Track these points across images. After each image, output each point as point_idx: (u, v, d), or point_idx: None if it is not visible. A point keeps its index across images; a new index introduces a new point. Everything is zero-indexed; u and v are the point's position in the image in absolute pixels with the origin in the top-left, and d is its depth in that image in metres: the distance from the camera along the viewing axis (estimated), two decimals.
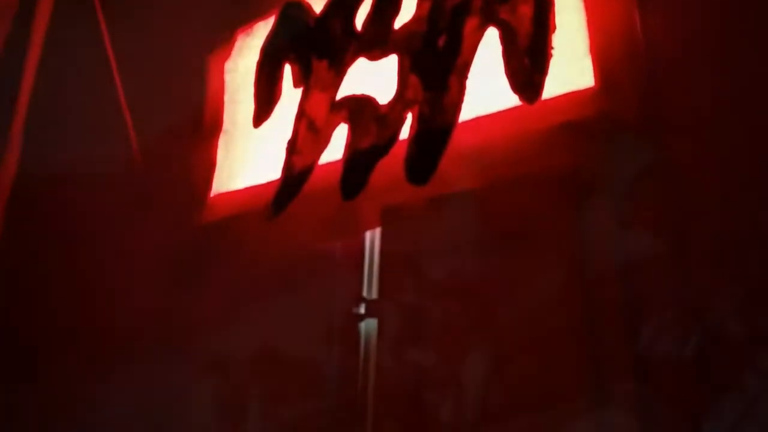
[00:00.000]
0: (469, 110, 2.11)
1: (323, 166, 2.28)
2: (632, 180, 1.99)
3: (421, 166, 2.09)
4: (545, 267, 2.01)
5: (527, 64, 2.05)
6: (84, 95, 2.73)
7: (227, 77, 2.68)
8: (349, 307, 2.25)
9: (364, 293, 2.27)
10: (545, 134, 2.04)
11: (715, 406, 1.72)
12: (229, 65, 2.69)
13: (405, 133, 2.14)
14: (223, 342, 2.35)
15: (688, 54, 2.02)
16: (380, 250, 2.31)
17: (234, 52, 2.69)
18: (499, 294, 2.05)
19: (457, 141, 2.08)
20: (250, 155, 2.53)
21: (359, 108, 2.26)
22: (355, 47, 2.33)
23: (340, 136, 2.28)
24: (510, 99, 2.07)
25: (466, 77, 2.11)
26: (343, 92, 2.32)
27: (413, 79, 2.18)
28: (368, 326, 2.23)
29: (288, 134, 2.36)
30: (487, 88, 2.11)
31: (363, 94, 2.27)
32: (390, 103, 2.20)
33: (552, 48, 2.04)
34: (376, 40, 2.29)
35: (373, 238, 2.33)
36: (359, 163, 2.20)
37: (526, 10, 2.08)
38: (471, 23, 2.13)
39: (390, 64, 2.24)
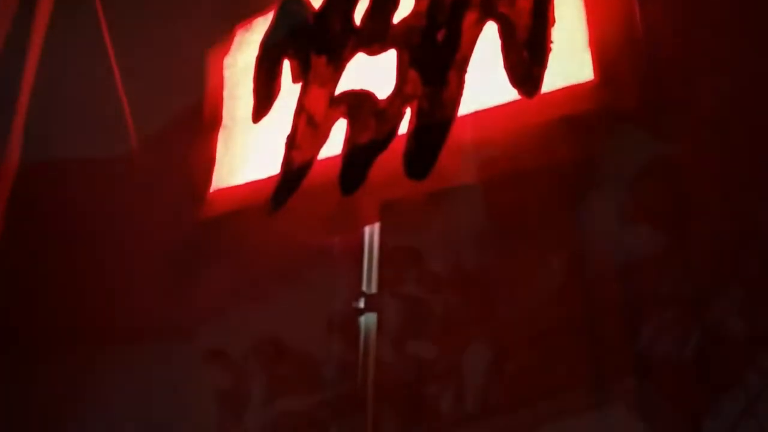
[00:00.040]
0: (468, 105, 2.10)
1: (322, 161, 2.28)
2: (633, 174, 1.98)
3: (420, 160, 2.09)
4: (545, 262, 2.01)
5: (526, 58, 2.04)
6: (84, 94, 2.73)
7: (226, 73, 2.67)
8: (348, 302, 2.26)
9: (364, 287, 2.27)
10: (544, 128, 2.04)
11: (716, 405, 1.72)
12: (228, 61, 2.68)
13: (404, 127, 2.14)
14: (223, 337, 2.35)
15: (689, 47, 2.01)
16: (379, 245, 2.31)
17: (233, 48, 2.67)
18: (498, 289, 2.05)
19: (456, 135, 2.07)
20: (249, 150, 2.53)
21: (358, 103, 2.25)
22: (354, 42, 2.32)
23: (339, 130, 2.27)
24: (509, 93, 2.06)
25: (465, 72, 2.10)
26: (342, 87, 2.31)
27: (412, 74, 2.17)
28: (368, 320, 2.23)
29: (287, 129, 2.36)
30: (486, 83, 2.10)
31: (362, 89, 2.26)
32: (389, 98, 2.19)
33: (551, 41, 2.03)
34: (375, 35, 2.29)
35: (372, 232, 2.33)
36: (358, 158, 2.20)
37: (525, 4, 2.07)
38: (470, 17, 2.13)
39: (389, 59, 2.24)
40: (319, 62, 2.36)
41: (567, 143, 2.03)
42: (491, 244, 2.10)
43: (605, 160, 2.01)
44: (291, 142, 2.34)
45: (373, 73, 2.27)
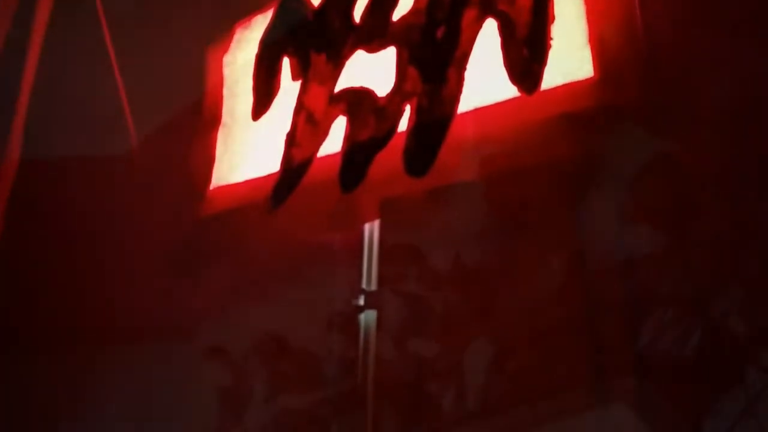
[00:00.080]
0: (468, 102, 2.10)
1: (322, 158, 2.28)
2: (633, 172, 1.98)
3: (419, 158, 2.09)
4: (545, 260, 2.01)
5: (526, 55, 2.04)
6: (84, 93, 2.73)
7: (226, 70, 2.67)
8: (348, 299, 2.26)
9: (364, 285, 2.27)
10: (544, 125, 2.04)
11: (716, 404, 1.72)
12: (227, 58, 2.68)
13: (404, 125, 2.14)
14: (223, 335, 2.36)
15: (689, 44, 2.01)
16: (379, 242, 2.31)
17: (232, 46, 2.67)
18: (498, 286, 2.05)
19: (456, 133, 2.07)
20: (249, 148, 2.53)
21: (358, 100, 2.25)
22: (354, 40, 2.32)
23: (339, 128, 2.27)
24: (509, 90, 2.06)
25: (464, 69, 2.10)
26: (341, 85, 2.31)
27: (412, 71, 2.17)
28: (368, 318, 2.23)
29: (287, 127, 2.36)
30: (485, 80, 2.10)
31: (361, 87, 2.26)
32: (388, 95, 2.19)
33: (551, 38, 2.03)
34: (375, 33, 2.28)
35: (372, 229, 2.32)
36: (358, 155, 2.20)
37: (524, 1, 2.06)
38: (469, 14, 2.12)
39: (388, 56, 2.23)
40: (319, 60, 2.36)
41: (567, 140, 2.03)
42: (491, 242, 2.10)
43: (605, 158, 2.01)
44: (291, 140, 2.34)
45: (372, 70, 2.27)
